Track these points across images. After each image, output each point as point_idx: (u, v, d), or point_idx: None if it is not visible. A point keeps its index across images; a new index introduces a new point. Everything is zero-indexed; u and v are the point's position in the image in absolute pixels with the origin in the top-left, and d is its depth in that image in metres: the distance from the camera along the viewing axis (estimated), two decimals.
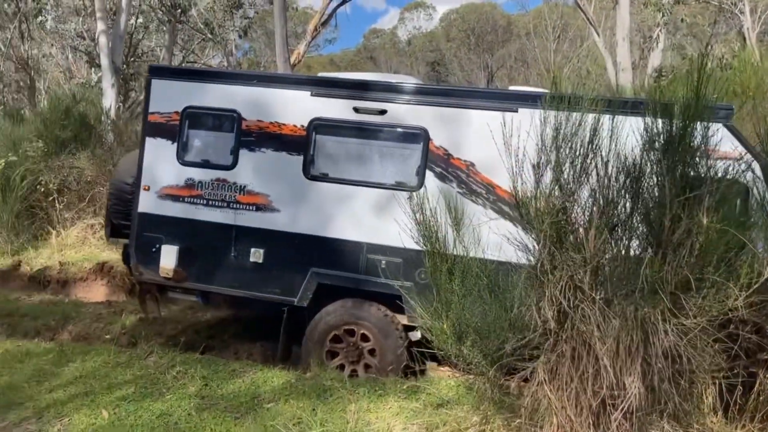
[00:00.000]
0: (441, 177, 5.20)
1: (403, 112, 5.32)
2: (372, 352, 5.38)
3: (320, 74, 6.49)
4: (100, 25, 12.40)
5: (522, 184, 3.21)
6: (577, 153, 2.96)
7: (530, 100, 4.97)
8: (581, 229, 2.83)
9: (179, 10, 15.52)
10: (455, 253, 3.79)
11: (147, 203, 5.75)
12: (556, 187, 2.98)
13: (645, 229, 2.86)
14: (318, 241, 5.42)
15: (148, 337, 6.04)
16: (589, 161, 2.98)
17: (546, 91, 5.88)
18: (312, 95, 5.46)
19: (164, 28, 18.23)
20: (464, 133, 5.20)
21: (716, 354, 3.16)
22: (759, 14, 22.78)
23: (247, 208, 5.56)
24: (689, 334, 2.66)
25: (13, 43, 19.45)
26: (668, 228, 2.69)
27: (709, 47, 25.34)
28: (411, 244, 4.83)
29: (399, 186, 5.31)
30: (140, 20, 18.96)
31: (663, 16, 13.95)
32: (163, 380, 4.79)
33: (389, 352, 5.29)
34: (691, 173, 2.94)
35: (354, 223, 5.36)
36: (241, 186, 5.58)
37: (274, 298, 5.53)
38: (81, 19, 18.55)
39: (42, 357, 5.22)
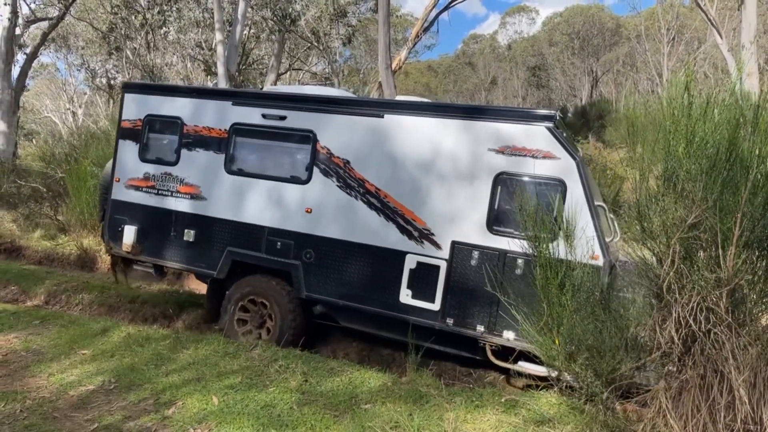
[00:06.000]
0: (325, 172, 6.02)
1: (298, 118, 6.18)
2: (272, 319, 6.19)
3: (266, 88, 7.45)
4: (218, 36, 13.22)
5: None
6: (714, 164, 2.71)
7: (395, 108, 5.92)
8: (715, 247, 2.58)
9: (289, 21, 16.23)
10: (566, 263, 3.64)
11: (117, 192, 7.03)
12: (687, 200, 2.73)
13: None
14: (233, 225, 6.37)
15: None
16: (725, 173, 2.72)
17: (422, 99, 6.40)
18: (233, 104, 6.50)
19: (273, 38, 19.14)
20: (342, 134, 5.99)
21: None
22: None
23: (184, 196, 6.66)
24: None
25: (140, 53, 21.24)
26: None
27: None
28: (299, 229, 6.00)
29: (293, 179, 6.18)
30: (252, 31, 20.05)
31: None
32: (266, 373, 4.97)
33: (285, 321, 6.10)
34: None
35: (259, 210, 6.25)
36: (180, 178, 6.68)
37: (202, 272, 6.59)
38: (200, 30, 19.92)
39: (160, 342, 5.59)
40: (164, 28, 19.82)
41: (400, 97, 6.41)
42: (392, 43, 23.83)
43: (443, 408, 4.46)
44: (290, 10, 15.83)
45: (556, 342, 3.06)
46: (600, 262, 3.86)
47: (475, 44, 45.77)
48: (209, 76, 19.53)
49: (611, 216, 5.87)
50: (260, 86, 18.37)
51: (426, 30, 16.44)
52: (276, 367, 5.10)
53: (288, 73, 25.00)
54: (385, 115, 5.82)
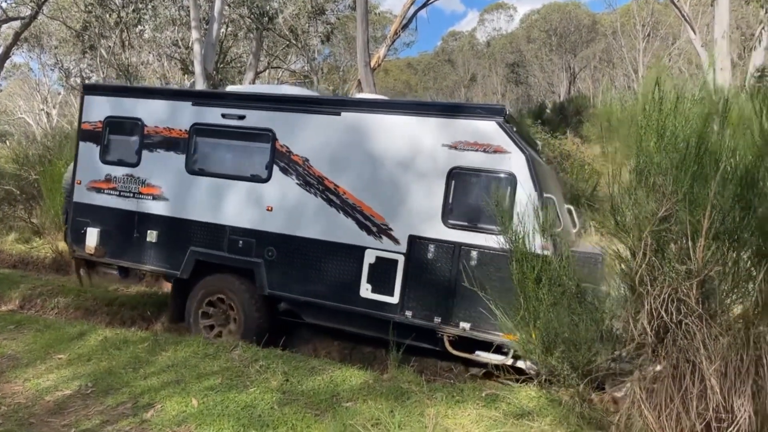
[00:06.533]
0: (284, 170, 6.09)
1: (257, 117, 6.24)
2: (235, 317, 6.25)
3: (229, 87, 7.47)
4: (194, 34, 13.07)
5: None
6: (684, 158, 2.76)
7: (351, 105, 6.02)
8: (686, 239, 2.63)
9: (266, 18, 16.10)
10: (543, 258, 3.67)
11: (79, 194, 7.00)
12: (658, 194, 2.78)
13: (759, 241, 2.62)
14: (195, 225, 6.39)
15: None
16: (695, 166, 2.77)
17: (378, 97, 6.46)
18: (192, 104, 6.54)
19: (251, 36, 18.98)
20: (301, 133, 6.06)
21: None
22: None
23: (146, 197, 6.66)
24: None
25: (115, 51, 20.91)
26: None
27: None
28: (260, 227, 6.04)
29: (253, 178, 6.22)
30: (230, 29, 19.85)
31: (766, 12, 12.89)
32: (246, 373, 4.94)
33: (249, 319, 6.15)
34: None
35: (220, 209, 6.29)
36: (142, 179, 6.69)
37: (166, 272, 6.61)
38: (176, 28, 19.68)
39: (138, 345, 5.53)
40: (139, 27, 19.52)
41: (358, 95, 6.51)
42: (371, 41, 23.75)
43: (424, 404, 4.48)
44: (267, 7, 15.72)
45: (533, 335, 3.10)
46: (549, 252, 3.92)
47: (454, 41, 45.92)
48: (186, 75, 19.30)
49: (571, 207, 6.13)
50: (239, 84, 18.21)
51: (404, 27, 16.46)
52: (257, 367, 5.07)
53: (267, 71, 24.82)
54: (342, 113, 5.93)
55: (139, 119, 6.75)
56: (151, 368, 5.00)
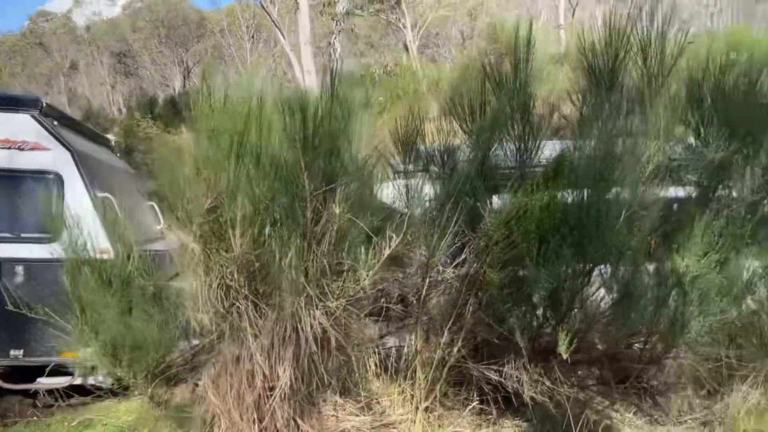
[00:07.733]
0: None
1: None
2: None
3: None
4: None
5: None
6: (228, 153, 2.95)
7: None
8: (231, 230, 2.83)
9: None
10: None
11: None
12: (207, 187, 2.91)
13: (293, 224, 3.01)
14: None
15: None
16: (240, 159, 2.99)
17: None
18: None
19: None
20: None
21: (367, 327, 3.58)
22: (418, 30, 27.14)
23: None
24: (335, 315, 2.90)
25: None
26: (310, 220, 2.88)
27: (381, 55, 29.07)
28: None
29: None
30: None
31: (337, 24, 15.34)
32: None
33: None
34: (339, 166, 3.21)
35: None
36: None
37: None
38: None
39: None
40: None
41: None
42: None
43: None
44: None
45: (96, 348, 2.88)
46: (111, 255, 3.75)
47: (45, 22, 39.80)
48: None
49: (153, 204, 6.03)
50: None
51: None
52: None
53: None
54: None
55: None
56: None
